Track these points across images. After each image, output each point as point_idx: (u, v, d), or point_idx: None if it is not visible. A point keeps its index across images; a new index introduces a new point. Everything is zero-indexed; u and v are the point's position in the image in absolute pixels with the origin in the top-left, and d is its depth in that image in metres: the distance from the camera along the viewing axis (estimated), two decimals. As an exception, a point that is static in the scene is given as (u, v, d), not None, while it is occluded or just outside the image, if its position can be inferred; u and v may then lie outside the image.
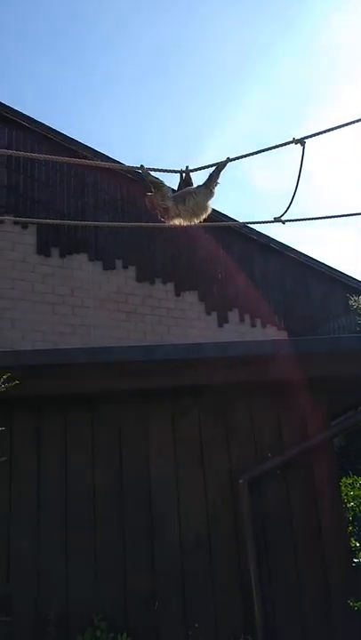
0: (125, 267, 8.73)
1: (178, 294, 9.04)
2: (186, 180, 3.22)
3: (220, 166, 3.15)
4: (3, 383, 3.29)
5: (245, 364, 4.30)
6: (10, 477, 4.09)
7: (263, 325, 9.61)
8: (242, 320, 9.43)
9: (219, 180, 3.15)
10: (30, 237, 8.14)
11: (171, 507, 4.19)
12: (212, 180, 3.13)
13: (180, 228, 3.21)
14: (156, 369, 4.27)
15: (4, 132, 8.35)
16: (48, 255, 8.22)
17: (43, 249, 8.17)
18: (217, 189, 3.15)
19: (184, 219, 3.09)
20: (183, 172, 3.21)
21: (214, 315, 9.23)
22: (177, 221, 3.10)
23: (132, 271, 8.77)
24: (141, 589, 4.00)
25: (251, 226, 9.66)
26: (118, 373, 4.27)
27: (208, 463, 4.30)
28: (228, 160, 3.16)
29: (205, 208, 3.11)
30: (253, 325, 9.50)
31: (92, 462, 4.24)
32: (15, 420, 4.19)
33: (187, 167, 3.22)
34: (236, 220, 9.67)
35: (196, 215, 3.10)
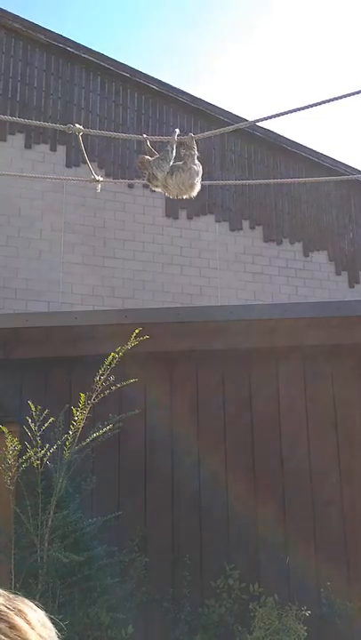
0: (252, 227, 8.63)
1: (306, 254, 8.79)
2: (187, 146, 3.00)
3: (186, 145, 2.92)
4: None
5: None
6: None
7: None
8: (375, 280, 8.99)
9: (193, 154, 2.92)
10: (159, 201, 8.28)
11: (302, 464, 4.17)
12: (187, 159, 2.92)
13: (309, 185, 3.07)
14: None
15: (133, 97, 8.51)
16: (176, 218, 8.33)
17: (171, 212, 8.29)
18: (198, 166, 2.92)
19: (170, 193, 2.94)
20: (183, 139, 2.99)
21: (345, 275, 8.88)
22: (162, 191, 2.96)
23: (258, 231, 8.65)
24: (272, 543, 4.05)
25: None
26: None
27: (341, 424, 4.21)
28: (192, 137, 2.98)
29: (191, 186, 2.91)
30: (387, 286, 9.01)
31: (223, 419, 4.31)
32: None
33: (178, 134, 3.03)
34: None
35: (182, 192, 2.92)
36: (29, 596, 2.70)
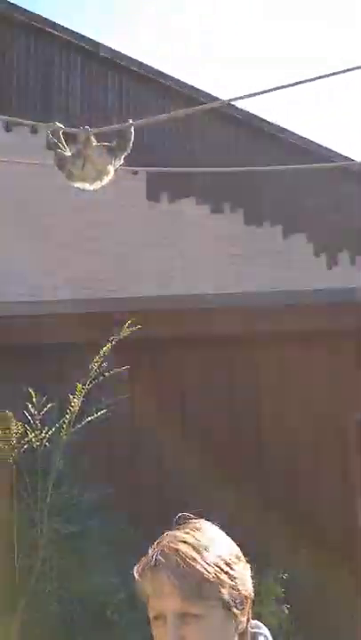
0: (233, 210, 8.77)
1: (286, 236, 8.99)
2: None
3: (124, 135, 2.96)
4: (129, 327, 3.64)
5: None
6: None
7: (375, 268, 9.39)
8: (353, 263, 9.26)
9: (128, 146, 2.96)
10: (140, 183, 8.37)
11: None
12: (115, 148, 2.95)
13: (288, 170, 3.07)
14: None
15: (115, 80, 8.55)
16: (157, 200, 8.45)
17: (152, 194, 8.40)
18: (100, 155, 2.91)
19: (88, 183, 2.94)
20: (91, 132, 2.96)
21: (323, 257, 9.12)
22: (80, 184, 2.95)
23: (239, 214, 8.80)
24: (251, 513, 4.38)
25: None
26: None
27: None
28: (131, 124, 3.03)
29: (105, 172, 2.92)
30: (365, 268, 9.30)
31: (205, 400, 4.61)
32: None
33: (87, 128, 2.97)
34: (353, 160, 9.31)
35: (98, 179, 2.93)
36: (30, 566, 2.96)
